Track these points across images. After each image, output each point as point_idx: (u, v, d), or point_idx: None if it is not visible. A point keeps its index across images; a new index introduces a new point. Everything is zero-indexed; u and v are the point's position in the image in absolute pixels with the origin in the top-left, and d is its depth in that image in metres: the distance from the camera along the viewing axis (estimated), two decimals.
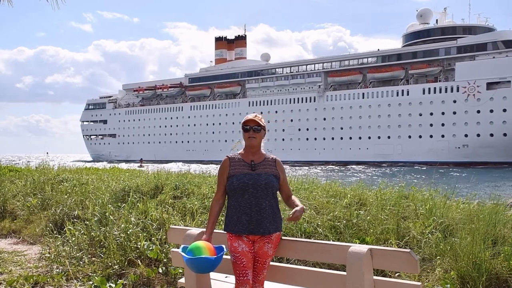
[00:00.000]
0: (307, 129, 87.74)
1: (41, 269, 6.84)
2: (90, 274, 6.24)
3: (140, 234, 6.56)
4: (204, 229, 4.23)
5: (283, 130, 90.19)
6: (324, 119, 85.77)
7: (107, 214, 7.49)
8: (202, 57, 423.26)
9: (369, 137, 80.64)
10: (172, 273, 5.90)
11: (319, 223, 6.15)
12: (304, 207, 4.01)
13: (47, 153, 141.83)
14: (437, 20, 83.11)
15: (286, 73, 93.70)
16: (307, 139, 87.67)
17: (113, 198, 8.52)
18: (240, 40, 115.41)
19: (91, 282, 5.89)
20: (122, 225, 6.80)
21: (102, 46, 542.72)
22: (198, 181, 9.23)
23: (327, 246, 3.93)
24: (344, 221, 6.13)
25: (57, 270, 6.57)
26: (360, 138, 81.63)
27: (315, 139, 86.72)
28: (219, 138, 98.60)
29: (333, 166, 68.98)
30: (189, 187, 8.65)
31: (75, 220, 8.14)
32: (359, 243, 5.23)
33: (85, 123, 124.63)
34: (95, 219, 7.46)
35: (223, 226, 4.08)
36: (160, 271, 5.96)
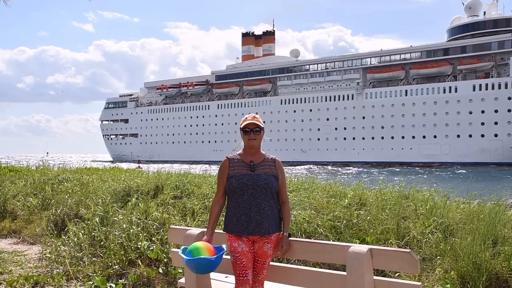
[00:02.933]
0: (345, 128, 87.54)
1: (41, 269, 7.46)
2: (91, 274, 6.80)
3: (140, 234, 7.14)
4: (204, 229, 4.75)
5: (318, 129, 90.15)
6: (363, 117, 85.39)
7: (107, 214, 8.15)
8: (203, 57, 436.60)
9: (413, 137, 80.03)
10: (172, 273, 6.42)
11: (319, 223, 6.64)
12: (290, 232, 4.36)
13: (47, 153, 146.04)
14: (484, 12, 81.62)
15: (321, 69, 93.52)
16: (345, 138, 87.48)
17: (113, 198, 9.23)
18: (269, 36, 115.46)
19: (91, 282, 6.43)
20: (124, 225, 7.40)
21: (103, 46, 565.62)
22: (198, 181, 9.83)
23: (327, 246, 4.33)
24: (344, 221, 6.62)
25: (57, 270, 7.19)
26: (403, 137, 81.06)
27: (354, 138, 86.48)
28: None
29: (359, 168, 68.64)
30: (189, 187, 9.27)
31: (75, 220, 8.79)
32: (359, 243, 5.72)
33: (104, 122, 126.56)
34: (96, 219, 8.06)
35: (223, 226, 4.33)
36: (161, 271, 6.48)
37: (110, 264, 6.78)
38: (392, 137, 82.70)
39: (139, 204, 8.33)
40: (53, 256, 7.51)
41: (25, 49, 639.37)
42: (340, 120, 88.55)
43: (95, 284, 6.14)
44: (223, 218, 4.56)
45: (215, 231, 4.42)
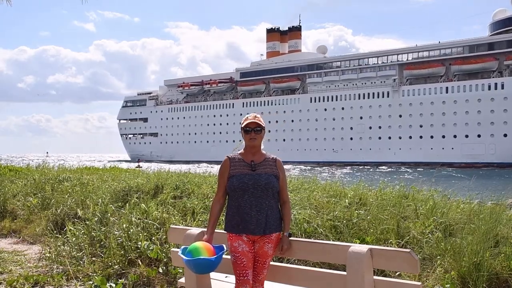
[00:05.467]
0: (380, 127, 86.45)
1: (41, 268, 7.63)
2: (91, 274, 6.95)
3: (140, 234, 7.27)
4: (204, 229, 4.81)
5: (351, 128, 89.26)
6: (400, 116, 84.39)
7: (107, 214, 8.31)
8: (204, 56, 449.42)
9: (455, 136, 78.78)
10: (172, 273, 6.55)
11: (319, 223, 6.76)
12: (290, 232, 4.51)
13: (47, 152, 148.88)
14: None
15: (354, 66, 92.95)
16: (380, 138, 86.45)
17: (113, 198, 9.40)
18: (295, 32, 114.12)
19: (91, 282, 6.56)
20: (124, 225, 7.54)
21: (104, 46, 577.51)
22: (198, 181, 10.07)
23: (327, 246, 4.43)
24: (344, 221, 6.74)
25: (57, 270, 7.34)
26: (443, 136, 79.90)
27: (389, 138, 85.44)
28: (276, 137, 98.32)
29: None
30: (189, 186, 9.48)
31: (75, 220, 8.99)
32: (359, 243, 5.79)
33: (122, 121, 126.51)
34: (96, 219, 8.26)
35: (223, 226, 4.53)
36: (160, 271, 6.62)
37: (110, 264, 6.96)
38: (432, 136, 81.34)
39: (139, 203, 8.52)
40: (53, 255, 7.70)
41: (26, 49, 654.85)
42: (375, 119, 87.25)
43: (95, 284, 6.28)
44: (224, 218, 4.78)
45: (216, 230, 4.53)
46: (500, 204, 6.64)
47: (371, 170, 60.89)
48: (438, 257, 5.70)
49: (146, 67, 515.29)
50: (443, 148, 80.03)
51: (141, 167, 27.76)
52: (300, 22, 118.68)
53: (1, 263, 7.98)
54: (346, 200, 7.52)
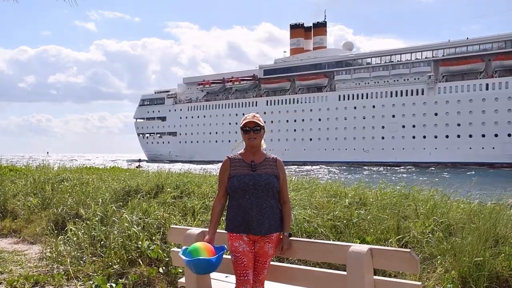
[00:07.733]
0: (414, 126, 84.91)
1: (42, 268, 7.78)
2: (91, 273, 7.09)
3: (141, 234, 7.43)
4: (205, 229, 4.93)
5: (383, 127, 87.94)
6: (436, 114, 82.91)
7: (108, 213, 8.48)
8: (204, 56, 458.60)
9: (496, 135, 77.06)
10: (172, 273, 6.72)
11: (320, 223, 6.91)
12: (290, 232, 4.63)
13: (48, 152, 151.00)
14: None
15: (385, 62, 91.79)
16: (414, 137, 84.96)
17: (113, 198, 9.58)
18: (320, 28, 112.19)
19: (91, 282, 6.72)
20: (125, 224, 7.71)
21: (104, 46, 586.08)
22: (198, 181, 10.28)
23: (327, 246, 4.54)
24: (345, 221, 6.89)
25: (58, 270, 7.48)
26: (483, 136, 78.16)
27: (424, 137, 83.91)
28: (302, 137, 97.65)
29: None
30: (189, 186, 9.68)
31: (76, 219, 9.17)
32: (359, 243, 5.90)
33: (139, 120, 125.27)
34: (96, 218, 8.43)
35: (224, 226, 4.69)
36: (161, 270, 6.79)
37: (110, 263, 7.11)
38: (470, 136, 79.17)
39: (140, 203, 8.68)
40: (54, 255, 7.89)
41: (27, 49, 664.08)
42: (408, 117, 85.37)
43: (96, 284, 6.43)
44: (224, 218, 4.98)
45: (217, 230, 4.65)
46: (500, 204, 6.73)
47: (410, 169, 60.79)
48: (439, 257, 5.81)
49: (147, 67, 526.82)
50: (483, 148, 78.46)
51: (141, 167, 28.31)
52: (325, 18, 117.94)
53: (1, 263, 8.11)
54: (346, 200, 7.66)
